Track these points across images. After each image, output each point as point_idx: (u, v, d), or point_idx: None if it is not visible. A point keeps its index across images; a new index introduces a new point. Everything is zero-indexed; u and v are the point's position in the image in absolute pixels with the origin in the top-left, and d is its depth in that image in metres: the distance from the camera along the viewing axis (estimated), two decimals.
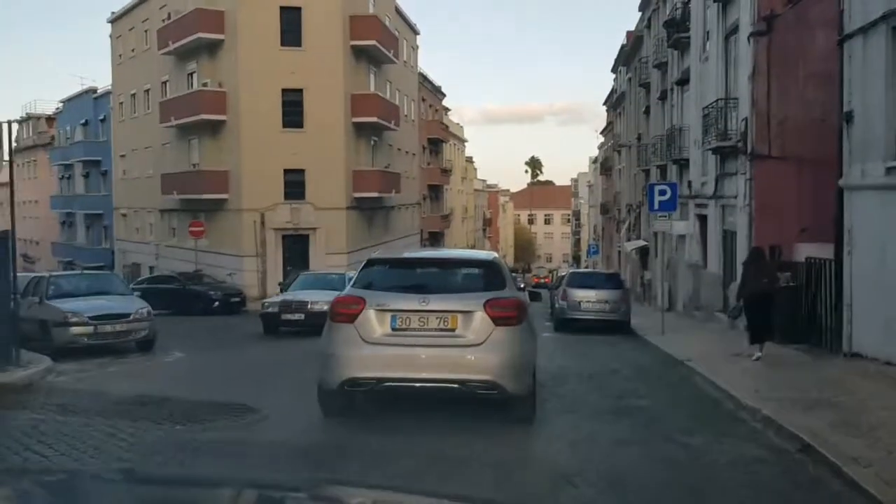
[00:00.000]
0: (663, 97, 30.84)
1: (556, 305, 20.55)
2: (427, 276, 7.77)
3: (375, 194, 34.65)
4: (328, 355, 7.15)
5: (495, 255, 8.96)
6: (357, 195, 34.17)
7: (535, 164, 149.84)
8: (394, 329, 7.00)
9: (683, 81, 26.29)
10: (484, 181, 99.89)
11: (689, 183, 24.47)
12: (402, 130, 44.16)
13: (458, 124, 73.59)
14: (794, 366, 11.83)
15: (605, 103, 67.84)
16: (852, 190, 11.49)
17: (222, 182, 33.02)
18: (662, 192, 17.94)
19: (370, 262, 7.94)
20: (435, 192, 56.64)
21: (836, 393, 8.84)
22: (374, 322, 6.99)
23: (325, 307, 17.18)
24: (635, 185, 42.26)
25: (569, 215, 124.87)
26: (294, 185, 32.76)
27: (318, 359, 7.33)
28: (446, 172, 59.26)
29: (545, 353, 13.94)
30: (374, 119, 34.31)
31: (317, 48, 32.48)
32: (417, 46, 50.62)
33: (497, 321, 6.96)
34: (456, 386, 6.95)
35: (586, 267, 66.03)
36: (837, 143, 11.88)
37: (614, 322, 19.36)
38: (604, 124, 69.45)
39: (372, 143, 37.29)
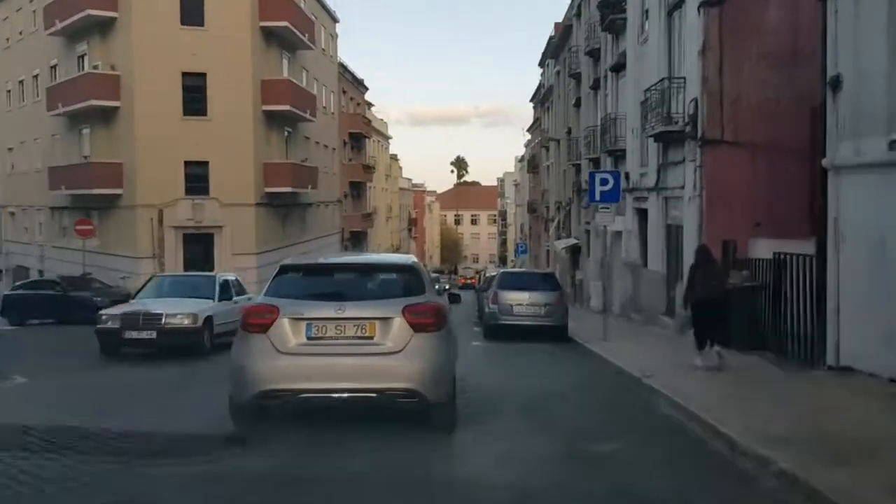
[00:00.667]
0: (596, 86, 29.08)
1: (486, 310, 18.27)
2: (343, 282, 7.52)
3: (289, 189, 31.82)
4: (240, 367, 6.86)
5: (414, 258, 8.50)
6: (269, 190, 31.29)
7: (460, 165, 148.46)
8: (309, 338, 6.77)
9: (619, 67, 24.51)
10: (409, 180, 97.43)
11: (627, 175, 22.61)
12: (320, 123, 41.39)
13: (381, 120, 70.97)
14: (772, 383, 9.84)
15: (531, 100, 66.34)
16: (841, 171, 9.57)
17: (115, 175, 29.69)
18: (604, 182, 15.89)
19: (283, 269, 7.55)
20: (357, 189, 53.93)
21: (855, 427, 6.80)
22: (289, 331, 6.76)
23: (187, 322, 13.75)
24: (565, 182, 40.57)
25: (495, 215, 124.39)
26: (196, 179, 29.70)
27: (230, 371, 7.01)
28: (369, 169, 56.62)
29: (474, 368, 11.71)
30: (287, 107, 31.50)
31: (221, 28, 29.50)
32: (336, 35, 47.90)
33: (416, 327, 6.78)
34: (374, 395, 6.70)
35: (513, 265, 63.82)
36: (821, 115, 9.94)
37: (551, 328, 17.23)
38: (530, 123, 67.96)
39: (286, 134, 34.45)
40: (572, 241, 34.07)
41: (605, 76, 26.67)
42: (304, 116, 34.18)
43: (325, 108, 43.61)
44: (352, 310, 6.79)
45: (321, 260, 9.15)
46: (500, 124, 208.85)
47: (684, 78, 16.91)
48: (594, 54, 28.78)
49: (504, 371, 12.13)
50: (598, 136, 26.74)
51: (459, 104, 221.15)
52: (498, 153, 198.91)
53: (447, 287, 48.98)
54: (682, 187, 16.87)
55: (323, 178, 42.17)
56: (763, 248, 14.57)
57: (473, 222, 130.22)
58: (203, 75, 29.52)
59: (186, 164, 29.53)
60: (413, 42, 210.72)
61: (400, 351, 6.70)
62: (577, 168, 34.09)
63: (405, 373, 6.66)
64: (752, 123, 15.39)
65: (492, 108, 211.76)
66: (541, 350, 15.27)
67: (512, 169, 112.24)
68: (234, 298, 15.87)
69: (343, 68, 49.67)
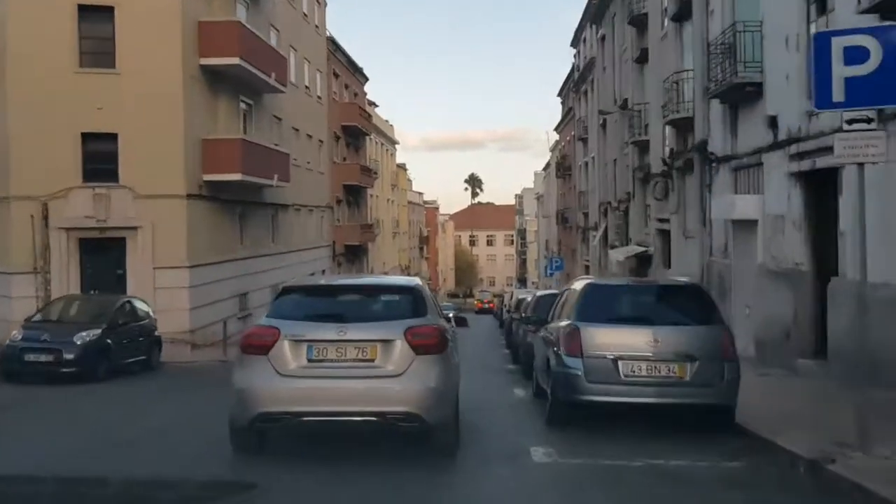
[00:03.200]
0: (680, 16, 19.72)
1: (551, 366, 8.47)
2: (345, 304, 7.35)
3: (238, 177, 22.46)
4: (240, 389, 6.70)
5: (417, 280, 8.05)
6: (210, 178, 22.02)
7: (474, 182, 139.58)
8: (310, 360, 6.65)
9: None
10: (420, 194, 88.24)
11: (773, 120, 13.25)
12: (300, 104, 32.34)
13: (387, 122, 61.92)
14: None
15: (560, 93, 57.16)
16: None
17: None
18: (856, 55, 6.41)
19: (285, 290, 7.40)
20: (354, 195, 44.64)
21: None
22: (289, 353, 6.65)
23: None
24: (616, 175, 31.17)
25: (512, 236, 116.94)
26: (100, 159, 20.44)
27: (230, 393, 6.76)
28: (369, 172, 47.26)
29: None
30: (236, 60, 22.23)
31: None
32: (325, 2, 38.88)
33: (417, 350, 6.63)
34: (375, 419, 6.57)
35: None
36: None
37: (705, 407, 7.74)
38: (557, 121, 58.69)
39: (242, 106, 25.28)
40: (637, 248, 24.50)
41: None
42: (266, 82, 24.99)
43: (307, 88, 34.54)
44: (353, 332, 6.67)
45: (323, 281, 8.83)
46: (516, 149, 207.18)
47: None
48: None
49: None
50: (697, 77, 17.32)
51: (475, 128, 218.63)
52: (513, 176, 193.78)
53: (454, 312, 39.76)
54: None
55: (305, 176, 33.04)
56: None
57: (489, 243, 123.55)
58: (110, 10, 20.41)
59: (85, 137, 20.34)
60: (428, 68, 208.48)
61: (401, 374, 6.57)
62: (643, 148, 24.67)
63: (406, 396, 6.51)
64: None
65: (507, 132, 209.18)
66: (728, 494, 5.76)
67: (531, 185, 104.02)
68: None
69: (334, 45, 40.64)
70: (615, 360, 7.66)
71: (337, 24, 40.88)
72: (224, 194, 23.19)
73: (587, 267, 40.73)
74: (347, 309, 7.10)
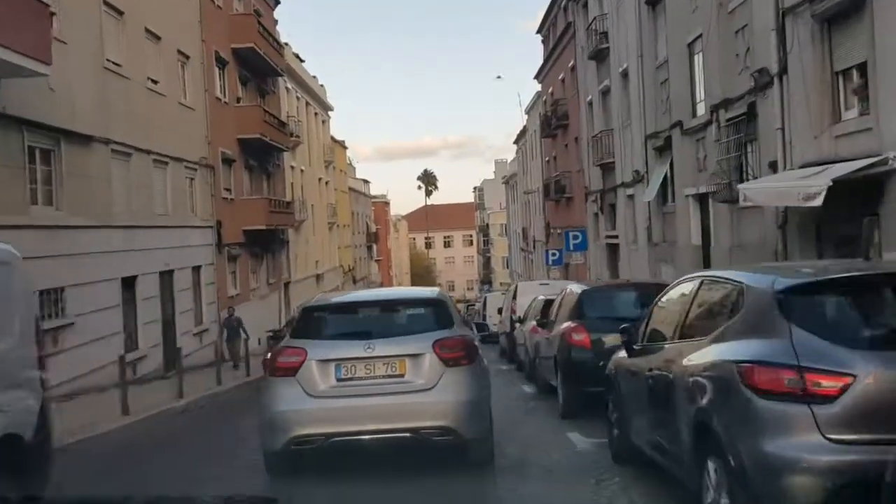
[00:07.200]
0: None
1: None
2: (370, 319, 7.20)
3: None
4: (270, 413, 6.62)
5: (439, 290, 8.17)
6: None
7: (428, 180, 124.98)
8: (339, 380, 6.58)
9: None
10: (366, 182, 73.48)
11: None
12: None
13: (315, 79, 47.33)
14: None
15: (539, 30, 43.24)
16: None
17: None
18: None
19: (307, 310, 7.34)
20: (259, 157, 30.00)
21: None
22: (317, 374, 6.57)
23: None
24: (703, 66, 17.30)
25: (471, 236, 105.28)
26: None
27: (260, 417, 6.85)
28: (283, 128, 32.59)
29: None
30: None
31: None
32: None
33: (447, 362, 6.59)
34: (409, 435, 6.46)
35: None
36: None
37: None
38: (538, 68, 44.72)
39: None
40: (849, 166, 10.32)
41: None
42: None
43: None
44: (381, 348, 6.58)
45: (345, 298, 8.49)
46: (469, 155, 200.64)
47: None
48: None
49: None
50: None
51: (427, 136, 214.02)
52: (467, 182, 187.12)
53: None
54: None
55: (142, 99, 18.71)
56: None
57: (447, 245, 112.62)
58: None
59: None
60: (378, 76, 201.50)
61: (432, 388, 6.52)
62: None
63: (439, 410, 6.49)
64: None
65: (459, 140, 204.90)
66: None
67: (491, 177, 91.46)
68: None
69: None
70: None
71: (288, 37, 30.17)
72: None
73: (613, 245, 26.81)
74: (373, 325, 6.97)
